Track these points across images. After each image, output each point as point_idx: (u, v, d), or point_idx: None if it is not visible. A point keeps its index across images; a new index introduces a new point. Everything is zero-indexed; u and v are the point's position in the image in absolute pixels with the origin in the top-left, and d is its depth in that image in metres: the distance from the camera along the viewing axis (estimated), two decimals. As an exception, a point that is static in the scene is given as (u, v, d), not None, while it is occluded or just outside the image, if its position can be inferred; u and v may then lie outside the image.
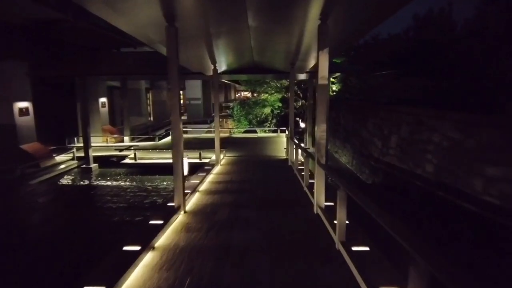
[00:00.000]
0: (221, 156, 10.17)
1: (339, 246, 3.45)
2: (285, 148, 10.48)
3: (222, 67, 9.62)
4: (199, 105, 24.66)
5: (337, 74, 16.07)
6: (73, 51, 12.32)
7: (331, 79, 16.36)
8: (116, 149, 11.23)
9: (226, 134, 16.66)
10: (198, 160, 10.64)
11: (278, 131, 16.27)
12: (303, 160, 9.28)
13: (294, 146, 8.91)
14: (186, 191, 5.74)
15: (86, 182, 10.19)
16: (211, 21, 4.95)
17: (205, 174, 7.48)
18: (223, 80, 33.71)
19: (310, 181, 6.22)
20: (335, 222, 4.09)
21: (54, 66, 11.51)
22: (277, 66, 10.03)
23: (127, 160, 11.02)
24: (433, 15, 13.75)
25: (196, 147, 11.78)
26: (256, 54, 8.11)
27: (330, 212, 4.48)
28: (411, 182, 7.10)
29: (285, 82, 21.24)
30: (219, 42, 6.69)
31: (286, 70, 9.86)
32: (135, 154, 10.79)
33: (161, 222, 4.33)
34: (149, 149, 11.74)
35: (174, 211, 4.78)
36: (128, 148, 11.19)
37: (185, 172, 9.17)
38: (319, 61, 4.40)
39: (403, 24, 14.81)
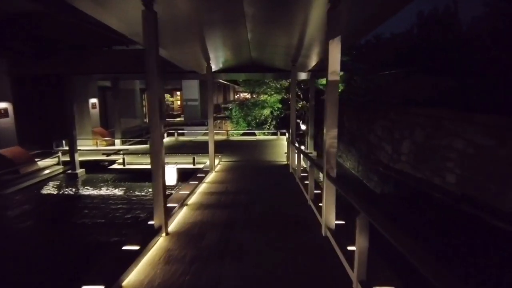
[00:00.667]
0: (216, 162, 9.38)
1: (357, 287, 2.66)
2: (285, 153, 9.69)
3: (217, 65, 8.83)
4: (196, 106, 23.87)
5: (340, 74, 15.29)
6: (59, 48, 11.53)
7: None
8: (103, 153, 10.43)
9: (223, 137, 15.86)
10: (191, 166, 9.84)
11: (278, 133, 15.47)
12: (305, 167, 8.53)
13: (296, 152, 8.14)
14: (171, 205, 4.95)
15: (67, 190, 9.35)
16: (199, 6, 4.16)
17: (197, 183, 6.69)
18: (220, 81, 32.96)
19: (316, 191, 5.45)
20: (349, 248, 3.32)
21: (37, 64, 10.71)
22: (277, 64, 9.25)
23: (115, 166, 10.22)
24: (438, 13, 13.04)
25: (191, 151, 10.99)
26: (254, 50, 7.33)
27: (341, 235, 3.70)
28: (428, 193, 6.31)
29: (285, 83, 20.52)
30: (211, 35, 5.91)
31: (287, 68, 9.08)
32: (123, 159, 9.99)
33: (136, 248, 3.54)
34: (140, 153, 10.94)
35: (154, 232, 3.98)
36: (117, 152, 10.39)
37: (173, 182, 8.38)
38: (330, 52, 3.61)
39: (405, 24, 14.09)
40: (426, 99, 7.39)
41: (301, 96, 19.17)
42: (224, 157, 10.17)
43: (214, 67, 8.58)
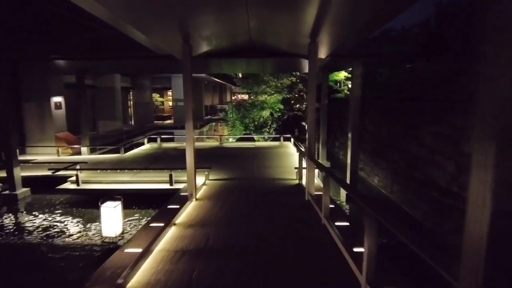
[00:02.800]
0: (201, 181, 6.83)
1: None
2: (296, 168, 7.15)
3: (199, 46, 6.24)
4: (187, 107, 21.26)
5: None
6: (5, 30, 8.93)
7: (344, 73, 13.07)
8: (50, 169, 7.80)
9: (216, 143, 13.24)
10: (167, 186, 7.23)
11: (281, 138, 12.85)
12: (334, 197, 6.01)
13: (319, 174, 5.57)
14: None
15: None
16: None
17: (162, 226, 4.12)
18: (215, 79, 30.39)
19: (356, 249, 2.98)
20: None
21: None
22: (286, 45, 6.71)
23: (67, 185, 7.62)
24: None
25: (172, 163, 8.42)
26: (254, 24, 4.81)
27: None
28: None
29: (287, 81, 18.05)
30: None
31: (299, 51, 6.55)
32: (77, 176, 7.38)
33: None
34: (108, 168, 8.34)
35: None
36: (70, 166, 7.76)
37: (117, 229, 4.90)
38: None
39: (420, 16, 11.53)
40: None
41: (307, 93, 16.66)
42: (213, 173, 7.60)
43: (196, 49, 6.00)
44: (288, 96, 17.55)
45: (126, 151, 11.33)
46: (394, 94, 8.37)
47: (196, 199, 5.73)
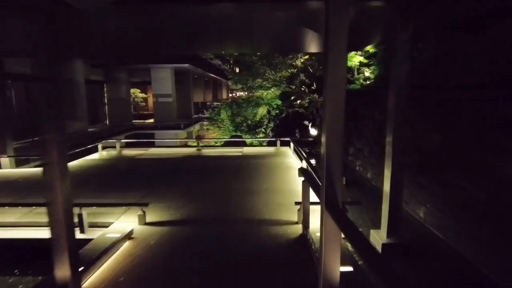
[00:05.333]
0: (129, 227, 3.83)
1: None
2: (296, 204, 4.12)
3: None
4: (169, 104, 18.21)
5: (368, 49, 9.68)
6: None
7: (358, 56, 9.99)
8: None
9: (190, 150, 10.03)
10: (78, 234, 4.17)
11: (278, 143, 9.72)
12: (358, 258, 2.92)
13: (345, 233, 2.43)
14: None
15: None
16: None
17: None
18: (209, 74, 27.28)
19: None
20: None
21: None
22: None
23: None
24: None
25: (106, 191, 5.40)
26: None
27: None
28: None
29: (286, 72, 15.06)
30: None
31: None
32: None
33: None
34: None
35: None
36: None
37: None
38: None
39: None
40: None
41: (310, 86, 13.63)
42: (156, 209, 4.55)
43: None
44: (288, 89, 14.54)
45: (72, 159, 8.25)
46: (454, 79, 5.31)
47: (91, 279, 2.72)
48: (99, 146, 9.60)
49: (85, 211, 3.96)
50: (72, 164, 7.83)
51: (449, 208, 4.88)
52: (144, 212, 4.09)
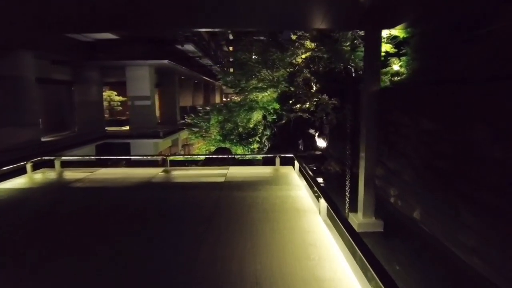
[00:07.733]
0: None
1: None
2: None
3: None
4: (148, 107, 15.48)
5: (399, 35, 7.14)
6: None
7: (385, 44, 7.44)
8: None
9: (155, 171, 7.11)
10: None
11: (277, 161, 6.93)
12: None
13: None
14: None
15: None
16: None
17: None
18: (201, 76, 24.54)
19: None
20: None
21: None
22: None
23: None
24: None
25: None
26: None
27: None
28: None
29: (285, 72, 12.60)
30: None
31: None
32: None
33: None
34: None
35: None
36: None
37: None
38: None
39: None
40: None
41: (316, 85, 11.04)
42: None
43: None
44: (288, 90, 11.98)
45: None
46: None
47: None
48: (28, 166, 6.80)
49: None
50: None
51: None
52: None
